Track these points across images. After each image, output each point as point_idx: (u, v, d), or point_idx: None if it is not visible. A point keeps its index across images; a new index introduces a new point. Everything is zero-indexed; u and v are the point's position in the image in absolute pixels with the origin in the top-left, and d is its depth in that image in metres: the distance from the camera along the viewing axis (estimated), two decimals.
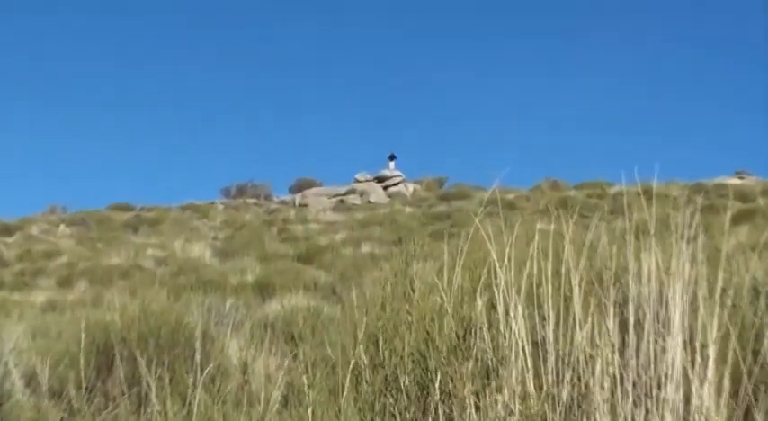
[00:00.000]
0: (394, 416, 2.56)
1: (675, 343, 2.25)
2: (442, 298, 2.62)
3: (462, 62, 74.76)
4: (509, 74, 72.99)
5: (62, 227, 26.40)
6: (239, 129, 68.07)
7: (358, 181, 38.78)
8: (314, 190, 37.23)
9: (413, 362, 2.57)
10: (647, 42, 67.76)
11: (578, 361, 2.32)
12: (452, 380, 2.44)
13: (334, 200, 35.31)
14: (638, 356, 2.29)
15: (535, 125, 68.16)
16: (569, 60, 70.14)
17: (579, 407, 2.31)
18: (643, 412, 2.24)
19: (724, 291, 2.33)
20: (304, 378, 2.63)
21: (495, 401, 2.39)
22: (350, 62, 75.48)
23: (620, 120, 65.85)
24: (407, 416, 2.54)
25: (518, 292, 2.42)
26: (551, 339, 2.37)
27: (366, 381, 2.65)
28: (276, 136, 68.68)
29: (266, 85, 72.36)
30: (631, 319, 2.32)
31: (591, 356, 2.32)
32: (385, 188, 38.22)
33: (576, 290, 2.37)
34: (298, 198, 36.54)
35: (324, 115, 70.11)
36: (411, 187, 38.50)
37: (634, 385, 2.26)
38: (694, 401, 2.20)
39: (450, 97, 70.89)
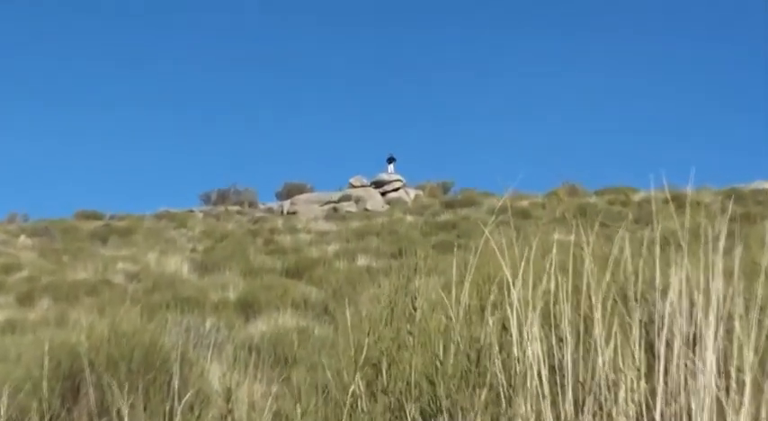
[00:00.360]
0: None
1: (708, 367, 2.25)
2: (448, 317, 2.62)
3: (466, 58, 75.61)
4: (519, 71, 73.97)
5: (22, 237, 26.34)
6: (221, 129, 68.57)
7: (353, 186, 38.79)
8: (304, 196, 37.25)
9: (418, 389, 2.57)
10: (675, 38, 68.71)
11: (600, 387, 2.32)
12: (463, 410, 2.44)
13: (326, 207, 35.33)
14: (666, 382, 2.29)
15: (550, 125, 68.79)
16: (587, 55, 71.44)
17: None
18: None
19: (762, 309, 2.34)
20: (297, 407, 2.63)
21: None
22: (344, 58, 76.23)
23: (646, 120, 66.36)
24: None
25: (533, 311, 2.43)
26: (570, 363, 2.37)
27: (363, 410, 2.64)
28: (262, 137, 69.39)
29: (250, 83, 73.14)
30: (659, 341, 2.32)
31: (614, 382, 2.32)
32: (383, 194, 38.24)
33: (597, 308, 2.37)
34: (286, 205, 36.57)
35: (315, 115, 70.74)
36: (412, 193, 38.55)
37: (662, 414, 2.26)
38: None
39: (455, 95, 71.79)
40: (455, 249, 3.01)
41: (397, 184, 38.56)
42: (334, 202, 35.97)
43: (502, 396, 2.46)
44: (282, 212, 35.55)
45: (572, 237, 2.73)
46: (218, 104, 70.85)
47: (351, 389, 2.65)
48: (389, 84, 73.77)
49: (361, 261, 18.21)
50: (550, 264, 2.58)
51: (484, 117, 67.41)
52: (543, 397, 2.37)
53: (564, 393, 2.36)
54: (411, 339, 2.71)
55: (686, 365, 2.29)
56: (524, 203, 28.92)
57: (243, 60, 71.84)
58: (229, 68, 70.81)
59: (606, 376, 2.34)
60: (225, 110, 71.39)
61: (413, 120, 70.01)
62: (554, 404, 2.38)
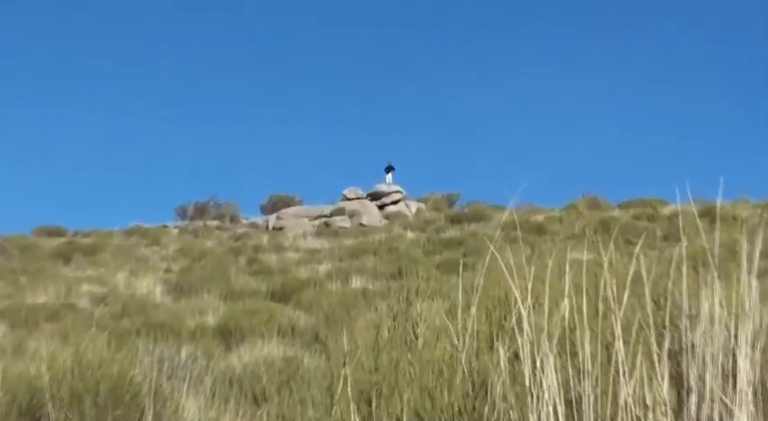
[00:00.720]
0: None
1: (744, 403, 2.25)
2: (453, 345, 2.62)
3: (472, 58, 76.69)
4: (531, 73, 75.13)
5: None
6: (198, 136, 69.01)
7: (347, 198, 38.78)
8: (292, 209, 37.24)
9: None
10: (701, 39, 69.93)
11: None
12: None
13: (316, 222, 35.32)
14: (697, 419, 2.29)
15: (568, 133, 69.59)
16: (608, 55, 72.69)
17: None
18: None
19: None
20: None
21: None
22: (338, 57, 77.33)
23: (676, 126, 66.93)
24: None
25: (548, 339, 2.43)
26: (590, 397, 2.37)
27: None
28: (245, 144, 69.74)
29: (231, 86, 74.12)
30: (689, 373, 2.33)
31: (639, 419, 2.32)
32: (381, 207, 38.25)
33: (619, 335, 2.37)
34: (272, 220, 36.54)
35: (304, 119, 71.53)
36: (413, 206, 38.55)
37: None
38: None
39: (461, 98, 72.86)
40: (461, 269, 3.01)
41: (397, 196, 38.61)
42: (326, 217, 35.98)
43: None
44: (268, 228, 35.54)
45: (593, 256, 2.73)
46: (195, 109, 71.42)
47: None
48: (388, 86, 74.59)
49: (356, 283, 18.19)
50: (568, 285, 2.59)
51: (493, 123, 68.12)
52: None
53: None
54: (412, 370, 2.71)
55: (720, 401, 2.29)
56: (539, 217, 28.94)
57: (223, 61, 73.54)
58: (207, 69, 71.89)
59: (630, 412, 2.34)
60: (203, 115, 72.07)
61: (414, 126, 70.66)
62: None
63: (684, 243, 2.62)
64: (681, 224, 2.68)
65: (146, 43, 72.92)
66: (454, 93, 73.38)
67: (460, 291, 2.79)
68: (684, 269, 2.50)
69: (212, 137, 67.36)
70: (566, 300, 2.49)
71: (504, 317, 2.70)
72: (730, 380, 2.30)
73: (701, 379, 2.33)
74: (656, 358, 2.37)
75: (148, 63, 72.37)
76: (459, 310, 2.71)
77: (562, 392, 2.41)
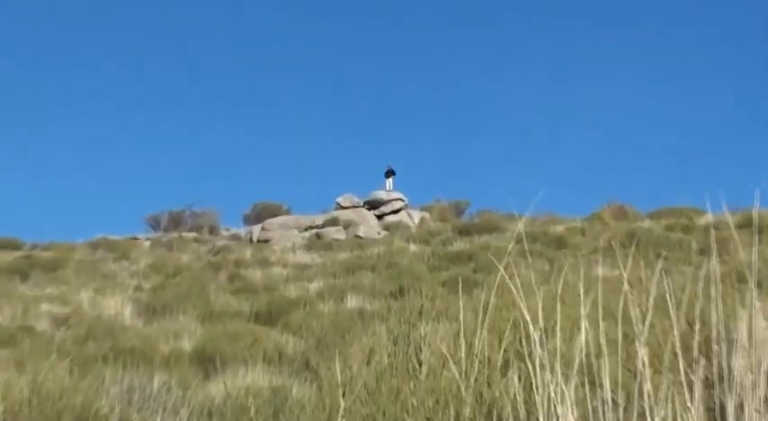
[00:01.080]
0: None
1: None
2: (461, 373, 2.63)
3: (482, 58, 78.23)
4: (548, 72, 76.95)
5: None
6: (173, 140, 69.63)
7: (341, 207, 38.73)
8: (279, 219, 37.21)
9: None
10: (744, 40, 71.37)
11: None
12: None
13: (307, 233, 35.29)
14: None
15: (590, 135, 70.36)
16: (632, 52, 74.32)
17: None
18: None
19: None
20: None
21: None
22: (331, 54, 79.17)
23: (711, 129, 67.49)
24: None
25: (567, 366, 2.44)
26: None
27: None
28: (225, 147, 70.51)
29: (210, 86, 75.69)
30: (727, 404, 2.33)
31: None
32: (380, 217, 38.22)
33: (648, 362, 2.38)
34: (256, 231, 36.51)
35: (293, 122, 72.23)
36: (417, 216, 38.50)
37: None
38: None
39: (468, 99, 74.32)
40: (471, 287, 3.02)
41: (398, 205, 38.60)
42: (318, 227, 35.99)
43: None
44: (251, 240, 35.53)
45: (619, 272, 2.75)
46: (168, 112, 72.00)
47: None
48: (387, 85, 75.70)
49: (352, 302, 18.17)
50: (592, 306, 2.60)
51: (505, 125, 68.89)
52: None
53: None
54: (415, 401, 2.72)
55: None
56: (559, 229, 28.94)
57: (200, 62, 75.53)
58: (182, 70, 73.22)
59: None
60: (177, 118, 72.81)
61: (417, 128, 71.30)
62: None
63: (717, 257, 2.62)
64: (713, 237, 2.69)
65: (111, 45, 74.39)
66: (461, 92, 74.41)
67: (470, 311, 2.80)
68: (720, 287, 2.51)
69: (189, 141, 67.91)
70: (587, 322, 2.50)
71: (520, 341, 2.70)
72: None
73: (741, 410, 2.33)
74: (689, 388, 2.38)
75: (113, 64, 73.40)
76: (467, 333, 2.73)
77: None
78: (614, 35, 76.52)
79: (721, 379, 2.40)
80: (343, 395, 2.79)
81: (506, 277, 2.70)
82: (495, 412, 2.59)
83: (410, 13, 76.54)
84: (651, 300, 2.49)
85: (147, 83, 74.46)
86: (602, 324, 2.53)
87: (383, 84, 75.32)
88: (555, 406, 2.44)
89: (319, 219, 36.97)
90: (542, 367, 2.47)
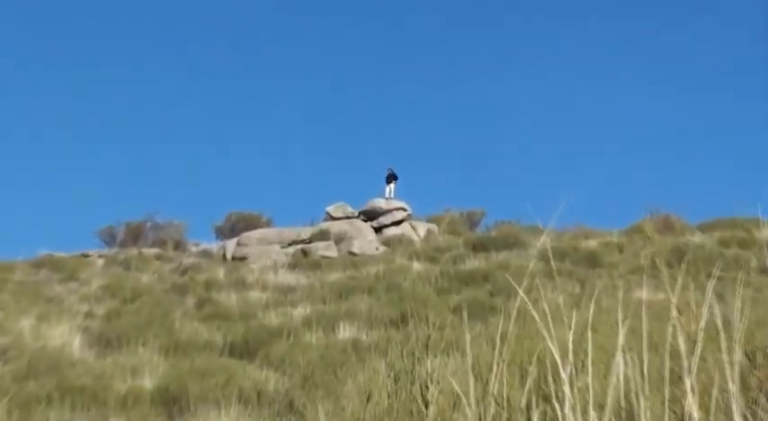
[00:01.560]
0: None
1: None
2: (475, 415, 2.64)
3: (495, 55, 79.90)
4: (572, 70, 78.86)
5: None
6: (131, 142, 69.91)
7: (332, 218, 38.67)
8: (258, 233, 37.13)
9: None
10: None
11: None
12: None
13: (291, 249, 35.26)
14: None
15: (629, 133, 70.94)
16: (660, 59, 76.00)
17: None
18: None
19: None
20: None
21: None
22: (323, 55, 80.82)
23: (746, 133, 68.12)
24: None
25: (601, 408, 2.44)
26: None
27: None
28: (194, 150, 70.80)
29: (175, 80, 77.23)
30: None
31: None
32: (378, 229, 38.16)
33: (695, 403, 2.39)
34: (230, 246, 36.45)
35: (277, 119, 72.78)
36: (422, 228, 38.45)
37: None
38: None
39: (481, 98, 75.39)
40: (487, 314, 3.02)
41: (400, 215, 38.60)
42: (304, 242, 36.00)
43: None
44: (225, 257, 35.55)
45: (664, 296, 2.75)
46: (128, 111, 72.55)
47: None
48: (386, 84, 76.66)
49: (345, 332, 18.20)
50: (631, 336, 2.61)
51: (524, 126, 69.55)
52: None
53: None
54: None
55: None
56: (592, 243, 29.00)
57: (161, 62, 77.22)
58: (138, 73, 74.52)
59: None
60: (139, 118, 73.50)
61: (421, 130, 71.70)
62: None
63: None
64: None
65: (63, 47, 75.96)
66: (471, 92, 75.41)
67: (485, 342, 2.81)
68: None
69: (151, 144, 68.28)
70: (624, 356, 2.50)
71: (545, 378, 2.71)
72: None
73: None
74: None
75: (66, 68, 74.66)
76: (481, 368, 2.74)
77: None
78: (654, 32, 79.30)
79: None
80: None
81: (529, 302, 2.72)
82: None
83: (410, 12, 79.03)
84: (702, 329, 2.50)
85: (98, 82, 75.92)
86: (643, 357, 2.54)
87: (382, 83, 76.57)
88: None
89: (306, 233, 36.95)
90: (572, 409, 2.48)
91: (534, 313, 2.59)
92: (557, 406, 2.52)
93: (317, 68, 78.13)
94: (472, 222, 39.32)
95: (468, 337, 2.87)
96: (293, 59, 78.96)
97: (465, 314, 2.98)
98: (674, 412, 2.53)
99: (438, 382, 2.92)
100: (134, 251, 35.11)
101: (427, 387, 2.87)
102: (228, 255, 35.70)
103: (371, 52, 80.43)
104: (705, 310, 2.65)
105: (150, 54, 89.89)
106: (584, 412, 2.52)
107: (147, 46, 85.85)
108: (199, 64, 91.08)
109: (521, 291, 2.72)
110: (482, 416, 2.67)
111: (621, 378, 2.52)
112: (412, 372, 2.91)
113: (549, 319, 2.64)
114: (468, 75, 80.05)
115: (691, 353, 2.47)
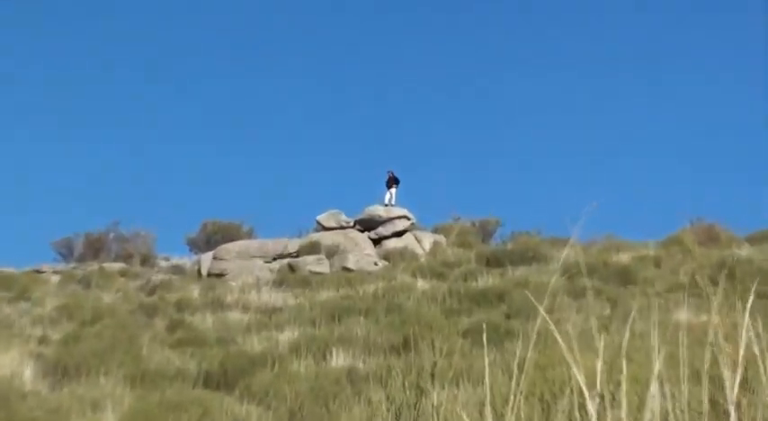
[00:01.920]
0: None
1: None
2: None
3: (509, 52, 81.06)
4: (598, 66, 79.96)
5: None
6: (91, 142, 70.09)
7: (323, 228, 38.56)
8: (238, 245, 37.05)
9: None
10: None
11: None
12: None
13: (276, 264, 35.22)
14: None
15: (667, 134, 71.30)
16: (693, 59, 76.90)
17: None
18: None
19: None
20: None
21: None
22: (320, 54, 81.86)
23: None
24: None
25: None
26: None
27: None
28: (166, 156, 70.87)
29: (151, 81, 77.80)
30: None
31: None
32: (377, 241, 38.04)
33: None
34: (206, 261, 36.37)
35: (258, 123, 72.98)
36: (428, 239, 38.34)
37: None
38: None
39: (493, 96, 75.96)
40: (502, 338, 3.02)
41: (402, 225, 38.54)
42: (291, 256, 36.01)
43: None
44: (200, 273, 35.57)
45: (706, 318, 2.76)
46: (85, 107, 72.97)
47: None
48: (385, 81, 77.44)
49: (339, 359, 18.19)
50: (669, 363, 2.61)
51: (544, 127, 69.82)
52: None
53: None
54: None
55: None
56: (624, 257, 29.00)
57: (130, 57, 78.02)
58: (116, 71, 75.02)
59: None
60: (99, 115, 73.90)
61: (427, 128, 71.86)
62: None
63: None
64: None
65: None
66: (481, 86, 76.09)
67: (501, 371, 2.82)
68: None
69: (116, 149, 68.58)
70: (661, 386, 2.50)
71: (570, 412, 2.72)
72: None
73: None
74: None
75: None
76: (496, 400, 2.74)
77: None
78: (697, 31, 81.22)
79: None
80: None
81: (552, 324, 2.72)
82: None
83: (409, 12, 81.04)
84: (745, 355, 2.50)
85: (53, 80, 77.05)
86: (683, 388, 2.54)
87: (380, 82, 77.59)
88: None
89: (293, 245, 36.95)
90: None
91: (560, 337, 2.59)
92: None
93: (309, 68, 79.44)
94: (485, 233, 39.33)
95: (486, 364, 2.88)
96: (285, 58, 79.86)
97: (478, 338, 2.98)
98: None
99: (446, 417, 2.92)
100: (95, 266, 35.13)
101: None
102: (204, 271, 35.73)
103: (371, 50, 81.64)
104: (754, 335, 2.66)
105: (118, 51, 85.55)
106: None
107: (119, 45, 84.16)
108: (171, 63, 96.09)
109: (542, 311, 2.73)
110: None
111: (657, 412, 2.53)
112: (416, 406, 2.92)
113: (574, 346, 2.64)
114: (473, 73, 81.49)
115: (736, 382, 2.48)
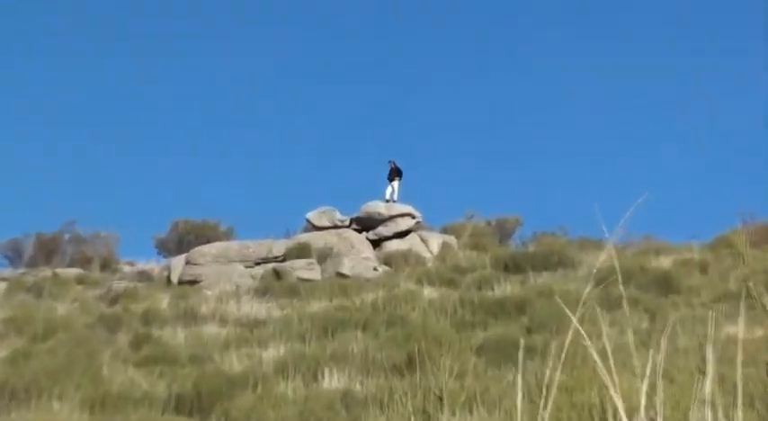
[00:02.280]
0: None
1: None
2: None
3: (522, 45, 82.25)
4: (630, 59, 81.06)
5: None
6: (45, 140, 70.27)
7: (314, 227, 38.44)
8: (214, 247, 36.94)
9: None
10: None
11: None
12: None
13: (260, 269, 35.17)
14: None
15: (713, 121, 71.62)
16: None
17: None
18: None
19: None
20: None
21: None
22: (311, 36, 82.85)
23: None
24: None
25: None
26: None
27: None
28: (131, 151, 71.03)
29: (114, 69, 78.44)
30: None
31: None
32: (377, 243, 37.94)
33: None
34: (177, 265, 36.30)
35: (241, 109, 73.30)
36: (436, 240, 38.23)
37: None
38: None
39: (505, 90, 76.33)
40: (523, 356, 2.98)
41: (406, 224, 38.47)
42: (277, 260, 35.97)
43: None
44: (170, 280, 35.56)
45: (763, 333, 2.73)
46: (38, 102, 73.49)
47: None
48: (380, 79, 77.98)
49: (332, 380, 18.20)
50: (716, 385, 2.59)
51: (565, 115, 70.23)
52: None
53: None
54: None
55: None
56: (665, 262, 28.97)
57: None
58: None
59: None
60: (54, 108, 74.31)
61: (431, 123, 72.20)
62: None
63: None
64: None
65: None
66: (492, 81, 76.87)
67: (522, 394, 2.79)
68: None
69: (72, 140, 68.94)
70: (707, 411, 2.48)
71: None
72: None
73: None
74: None
75: None
76: None
77: None
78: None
79: None
80: None
81: (585, 339, 2.68)
82: None
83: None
84: None
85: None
86: (735, 414, 2.52)
87: (378, 74, 78.59)
88: None
89: (279, 248, 36.92)
90: None
91: (592, 353, 2.56)
92: None
93: (293, 46, 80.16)
94: (503, 233, 39.36)
95: (503, 386, 2.85)
96: (274, 46, 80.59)
97: (494, 356, 2.93)
98: None
99: None
100: (47, 272, 35.16)
101: None
102: (174, 278, 35.72)
103: (370, 49, 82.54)
104: None
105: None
106: None
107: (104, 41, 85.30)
108: (143, 48, 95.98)
109: (575, 322, 2.69)
110: None
111: None
112: None
113: (608, 364, 2.60)
114: (488, 66, 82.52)
115: None
